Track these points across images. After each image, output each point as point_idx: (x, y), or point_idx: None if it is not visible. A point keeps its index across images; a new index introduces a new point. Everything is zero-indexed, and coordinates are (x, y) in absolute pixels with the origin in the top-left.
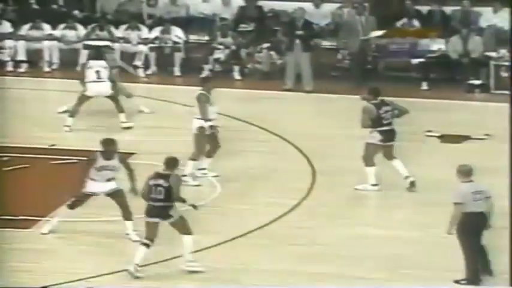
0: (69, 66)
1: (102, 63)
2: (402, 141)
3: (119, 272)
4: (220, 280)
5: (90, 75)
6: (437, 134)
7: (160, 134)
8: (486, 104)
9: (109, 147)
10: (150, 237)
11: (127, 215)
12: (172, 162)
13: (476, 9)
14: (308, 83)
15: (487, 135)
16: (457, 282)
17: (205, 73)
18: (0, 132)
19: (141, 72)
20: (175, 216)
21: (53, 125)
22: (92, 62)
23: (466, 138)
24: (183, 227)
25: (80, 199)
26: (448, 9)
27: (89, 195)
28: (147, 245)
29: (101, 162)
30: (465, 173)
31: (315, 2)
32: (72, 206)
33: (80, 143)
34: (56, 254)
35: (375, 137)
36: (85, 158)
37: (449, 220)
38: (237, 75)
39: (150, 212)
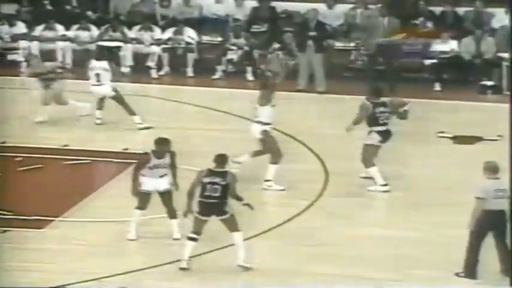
0: (82, 66)
1: (104, 64)
2: (415, 142)
3: (131, 272)
4: (230, 280)
5: (91, 77)
6: (449, 135)
7: (170, 135)
8: (498, 105)
9: (162, 146)
10: (198, 232)
11: (173, 214)
12: (224, 159)
13: (489, 10)
14: (320, 83)
15: (499, 136)
16: (456, 274)
17: (218, 74)
18: (15, 132)
19: (154, 73)
20: (229, 213)
21: (66, 125)
22: (93, 63)
23: (478, 139)
24: (233, 224)
25: (143, 198)
26: (460, 10)
27: (148, 193)
28: (195, 239)
29: (154, 161)
30: (491, 169)
31: (328, 2)
32: (141, 207)
33: (93, 143)
34: (68, 254)
35: (374, 138)
36: (97, 159)
37: (471, 215)
38: (249, 76)
39: (204, 209)
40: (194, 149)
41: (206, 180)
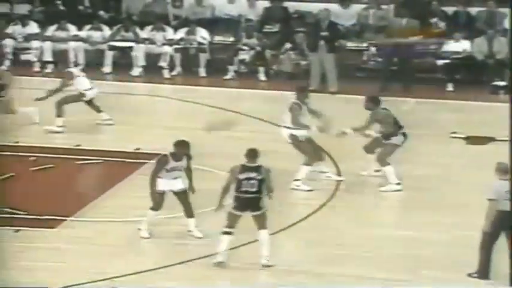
0: (94, 66)
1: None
2: (427, 142)
3: (143, 272)
4: (245, 280)
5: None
6: (462, 136)
7: (182, 135)
8: None
9: (182, 149)
10: (232, 227)
11: (190, 213)
12: (256, 154)
13: (502, 10)
14: (333, 84)
15: None
16: (469, 275)
17: (230, 74)
18: (27, 133)
19: (166, 73)
20: (264, 209)
21: (78, 126)
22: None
23: (490, 139)
24: (264, 221)
25: (158, 199)
26: (473, 10)
27: (162, 194)
28: (230, 233)
29: (172, 163)
30: (502, 170)
31: (343, 2)
32: (155, 208)
33: (105, 143)
34: (80, 254)
35: (399, 139)
36: (109, 159)
37: (485, 216)
38: (262, 76)
39: (240, 205)
40: (206, 149)
41: (242, 176)
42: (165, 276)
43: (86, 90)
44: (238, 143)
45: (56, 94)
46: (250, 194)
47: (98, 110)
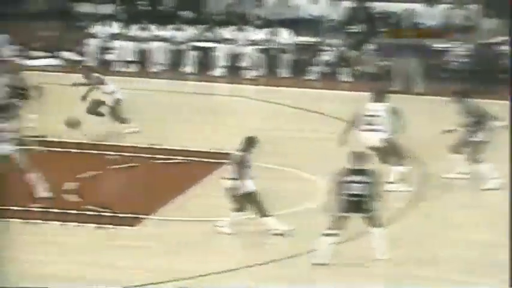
0: (175, 67)
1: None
2: None
3: (224, 272)
4: (325, 277)
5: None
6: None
7: (264, 136)
8: None
9: (252, 145)
10: (338, 228)
11: (264, 212)
12: (363, 157)
13: None
14: (417, 84)
15: None
16: None
17: (312, 75)
18: (110, 131)
19: (247, 74)
20: (373, 210)
21: (157, 126)
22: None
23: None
24: (375, 220)
25: (236, 199)
26: None
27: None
28: (333, 235)
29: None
30: None
31: (428, 2)
32: (238, 209)
33: (185, 143)
34: (160, 252)
35: (487, 135)
36: (190, 158)
37: None
38: (344, 77)
39: (348, 207)
40: (288, 149)
41: (348, 178)
42: (249, 275)
43: (109, 94)
44: (319, 143)
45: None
46: (359, 196)
47: (121, 121)
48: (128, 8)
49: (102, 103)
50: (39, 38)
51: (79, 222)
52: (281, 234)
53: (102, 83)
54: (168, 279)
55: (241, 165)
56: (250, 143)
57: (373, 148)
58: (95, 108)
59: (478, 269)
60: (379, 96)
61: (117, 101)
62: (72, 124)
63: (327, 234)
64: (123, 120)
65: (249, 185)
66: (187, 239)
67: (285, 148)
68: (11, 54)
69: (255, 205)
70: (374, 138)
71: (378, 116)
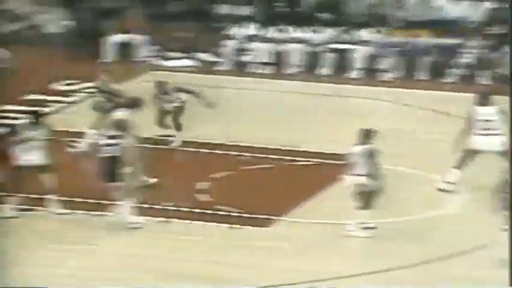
0: (311, 69)
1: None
2: None
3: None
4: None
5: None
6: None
7: (399, 138)
8: None
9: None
10: None
11: (369, 206)
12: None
13: None
14: None
15: None
16: None
17: (451, 77)
18: (244, 132)
19: (384, 76)
20: None
21: (292, 127)
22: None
23: None
24: None
25: (362, 196)
26: None
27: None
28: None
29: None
30: None
31: None
32: (363, 207)
33: (317, 144)
34: (291, 253)
35: None
36: (323, 160)
37: None
38: (485, 80)
39: None
40: (421, 152)
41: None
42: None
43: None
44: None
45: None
46: None
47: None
48: (265, 9)
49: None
50: (176, 39)
51: (211, 222)
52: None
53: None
54: (302, 280)
55: (369, 158)
56: (367, 135)
57: (492, 152)
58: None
59: None
60: (485, 99)
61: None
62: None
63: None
64: (179, 127)
65: (370, 181)
66: (319, 240)
67: (421, 151)
68: (149, 55)
69: (369, 199)
70: (493, 142)
71: (493, 119)
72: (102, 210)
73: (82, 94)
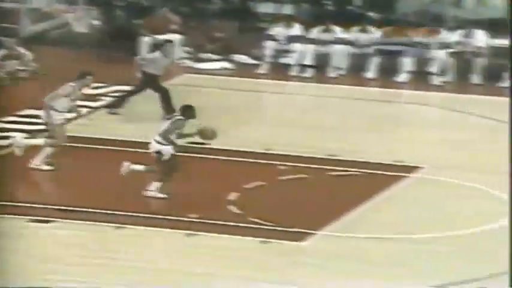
0: (357, 72)
1: None
2: None
3: None
4: None
5: None
6: None
7: (449, 147)
8: None
9: None
10: None
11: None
12: None
13: None
14: None
15: None
16: None
17: (507, 82)
18: (281, 140)
19: (436, 80)
20: None
21: (332, 135)
22: None
23: None
24: None
25: None
26: None
27: None
28: None
29: None
30: None
31: None
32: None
33: (359, 154)
34: (331, 271)
35: None
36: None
37: None
38: None
39: None
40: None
41: None
42: None
43: None
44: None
45: None
46: None
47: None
48: (311, 8)
49: None
50: (214, 39)
51: (242, 235)
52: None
53: None
54: None
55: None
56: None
57: None
58: None
59: None
60: None
61: None
62: (207, 136)
63: None
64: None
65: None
66: (362, 257)
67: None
68: (183, 56)
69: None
70: None
71: None
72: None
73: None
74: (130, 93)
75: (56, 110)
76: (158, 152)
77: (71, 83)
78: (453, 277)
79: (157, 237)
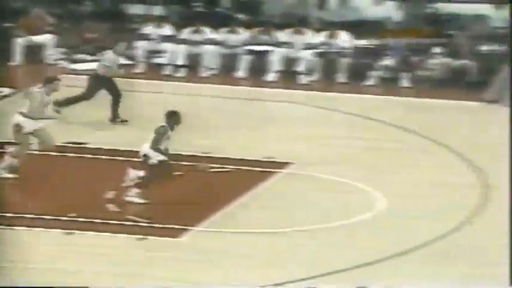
0: (228, 71)
1: None
2: None
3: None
4: None
5: None
6: None
7: (316, 144)
8: None
9: None
10: None
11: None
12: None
13: None
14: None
15: None
16: None
17: (371, 80)
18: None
19: (302, 79)
20: None
21: (204, 133)
22: None
23: None
24: None
25: None
26: None
27: None
28: None
29: None
30: None
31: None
32: None
33: (234, 151)
34: (204, 265)
35: None
36: (239, 167)
37: None
38: (405, 83)
39: None
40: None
41: None
42: None
43: None
44: (380, 153)
45: None
46: None
47: None
48: (181, 9)
49: None
50: (87, 40)
51: (119, 233)
52: None
53: None
54: None
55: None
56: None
57: None
58: None
59: None
60: None
61: None
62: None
63: None
64: None
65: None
66: (237, 251)
67: (339, 157)
68: (57, 58)
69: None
70: None
71: None
72: None
73: None
74: (81, 97)
75: (31, 118)
76: (145, 156)
77: (37, 89)
78: (322, 269)
79: (34, 237)
